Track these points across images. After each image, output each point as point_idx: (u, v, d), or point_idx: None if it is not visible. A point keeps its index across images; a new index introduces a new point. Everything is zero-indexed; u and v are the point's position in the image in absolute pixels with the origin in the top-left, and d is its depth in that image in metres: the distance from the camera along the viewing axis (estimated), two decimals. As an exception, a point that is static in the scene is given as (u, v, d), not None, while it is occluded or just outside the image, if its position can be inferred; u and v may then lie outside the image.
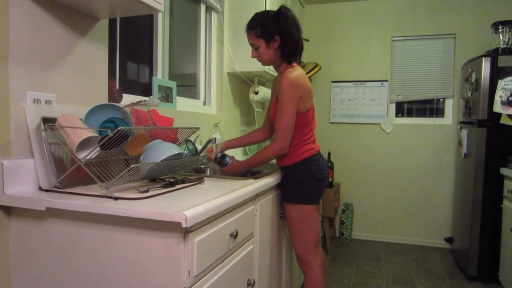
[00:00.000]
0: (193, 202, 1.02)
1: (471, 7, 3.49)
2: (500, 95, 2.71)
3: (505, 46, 2.82)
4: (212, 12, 2.69)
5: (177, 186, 1.25)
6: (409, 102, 3.77)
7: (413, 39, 3.69)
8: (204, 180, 1.42)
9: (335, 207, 3.47)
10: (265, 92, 2.86)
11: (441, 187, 3.63)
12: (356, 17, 3.83)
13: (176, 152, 1.25)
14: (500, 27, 2.85)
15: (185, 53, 2.55)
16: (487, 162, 2.77)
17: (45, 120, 1.16)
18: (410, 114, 3.79)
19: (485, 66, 2.78)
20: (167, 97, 2.14)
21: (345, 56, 3.88)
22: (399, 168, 3.75)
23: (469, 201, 2.91)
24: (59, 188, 1.13)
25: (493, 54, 2.78)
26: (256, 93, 2.84)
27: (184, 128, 1.45)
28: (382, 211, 3.81)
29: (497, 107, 2.71)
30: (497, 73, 2.75)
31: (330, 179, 3.39)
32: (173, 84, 2.17)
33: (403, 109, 3.81)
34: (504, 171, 2.62)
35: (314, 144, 1.80)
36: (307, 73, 3.56)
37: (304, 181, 1.70)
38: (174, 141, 1.42)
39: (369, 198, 3.84)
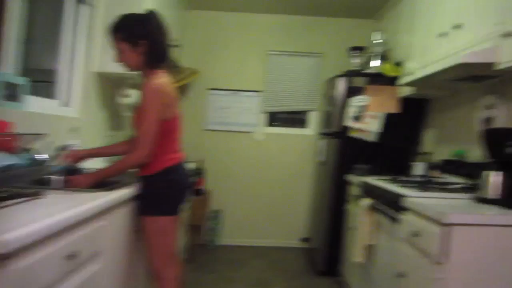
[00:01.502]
0: (19, 222, 0.92)
1: (335, 31, 3.93)
2: (350, 111, 3.09)
3: (356, 68, 3.23)
4: (83, 4, 2.46)
5: (7, 203, 1.11)
6: (280, 113, 4.06)
7: (287, 55, 3.98)
8: (42, 195, 1.29)
9: (203, 214, 3.52)
10: (135, 96, 2.75)
11: (302, 192, 3.99)
12: (236, 28, 3.96)
13: (8, 163, 1.12)
14: (353, 52, 3.26)
15: (46, 45, 2.30)
16: (337, 170, 3.13)
17: None
18: (280, 124, 4.07)
19: (341, 85, 3.14)
20: (13, 95, 1.90)
21: (224, 64, 3.97)
22: (267, 175, 3.99)
23: (322, 204, 3.26)
24: None
25: (347, 75, 3.16)
26: (126, 96, 2.71)
27: (25, 134, 1.30)
28: (249, 216, 4.00)
29: (348, 121, 3.09)
30: (349, 92, 3.13)
31: (200, 187, 3.43)
32: (22, 81, 1.93)
33: (274, 119, 4.08)
34: (349, 177, 3.00)
35: (176, 154, 1.79)
36: (182, 79, 3.54)
37: (162, 192, 1.68)
38: (9, 149, 1.26)
39: (239, 204, 4.00)
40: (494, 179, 1.78)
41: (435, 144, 2.95)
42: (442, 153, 2.80)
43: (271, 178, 3.99)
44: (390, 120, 3.03)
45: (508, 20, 1.69)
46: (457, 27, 2.10)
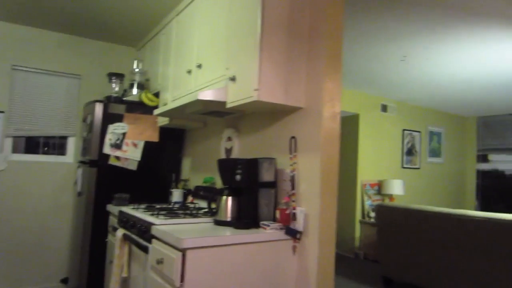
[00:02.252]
0: None
1: (95, 53, 3.74)
2: (109, 138, 2.98)
3: (116, 95, 3.16)
4: None
5: None
6: (30, 138, 3.52)
7: (39, 72, 3.52)
8: None
9: None
10: None
11: (59, 227, 3.55)
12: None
13: None
14: (113, 78, 3.18)
15: None
16: (96, 200, 2.94)
17: None
18: (30, 150, 3.53)
19: (98, 111, 2.99)
20: None
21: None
22: (13, 211, 3.36)
23: (82, 238, 2.97)
24: None
25: (106, 101, 3.05)
26: None
27: None
28: (-15, 262, 3.26)
29: (107, 149, 2.96)
30: (109, 118, 3.02)
31: None
32: None
33: (23, 144, 3.50)
34: (109, 207, 2.86)
35: None
36: None
37: None
38: None
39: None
40: (227, 203, 2.02)
41: (192, 171, 3.17)
42: (197, 180, 3.04)
43: (19, 215, 3.36)
44: (152, 149, 3.08)
45: (232, 66, 1.99)
46: (199, 66, 2.34)
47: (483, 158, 6.88)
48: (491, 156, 6.77)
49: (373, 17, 2.93)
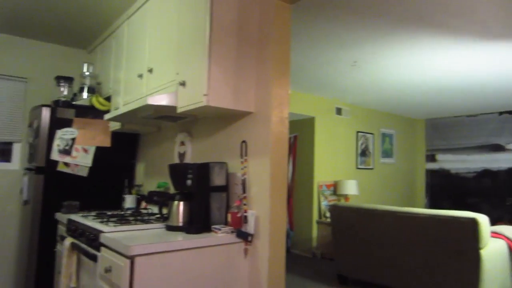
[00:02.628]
0: None
1: (43, 56, 3.59)
2: (57, 143, 2.87)
3: (65, 99, 3.05)
4: None
5: None
6: (-29, 143, 3.33)
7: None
8: None
9: None
10: None
11: (4, 238, 3.37)
12: None
13: None
14: (61, 81, 3.07)
15: None
16: (44, 208, 2.82)
17: None
18: (-30, 157, 3.33)
19: (45, 115, 2.88)
20: None
21: None
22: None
23: (29, 249, 2.84)
24: None
25: (53, 105, 2.93)
26: None
27: None
28: None
29: (55, 155, 2.85)
30: (56, 123, 2.91)
31: None
32: None
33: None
34: (58, 216, 2.75)
35: None
36: None
37: None
38: None
39: None
40: (178, 208, 2.01)
41: (145, 176, 3.12)
42: (151, 185, 3.00)
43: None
44: (104, 154, 3.00)
45: (182, 71, 1.99)
46: (150, 71, 2.32)
47: (431, 158, 7.27)
48: (438, 156, 7.17)
49: (323, 24, 3.03)
